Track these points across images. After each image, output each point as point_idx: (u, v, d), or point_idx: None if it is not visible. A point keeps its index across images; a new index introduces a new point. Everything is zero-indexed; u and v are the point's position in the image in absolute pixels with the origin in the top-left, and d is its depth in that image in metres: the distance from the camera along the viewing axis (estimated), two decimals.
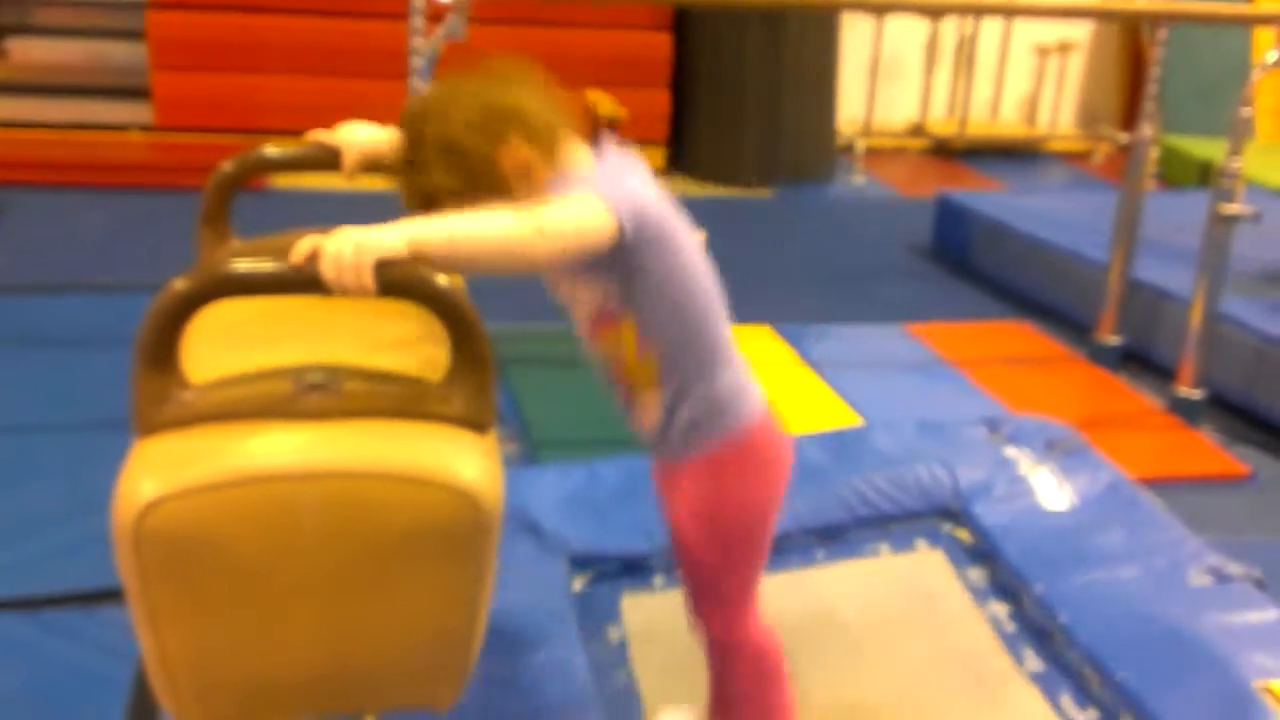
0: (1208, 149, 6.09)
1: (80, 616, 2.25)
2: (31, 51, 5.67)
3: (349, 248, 1.28)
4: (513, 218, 1.39)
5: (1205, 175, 5.92)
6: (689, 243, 1.61)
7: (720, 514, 1.70)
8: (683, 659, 2.12)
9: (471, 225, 1.37)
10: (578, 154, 1.58)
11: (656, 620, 2.25)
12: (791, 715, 1.86)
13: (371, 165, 1.75)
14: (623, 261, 1.51)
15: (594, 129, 1.64)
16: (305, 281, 1.31)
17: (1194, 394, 3.54)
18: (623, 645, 2.20)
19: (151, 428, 1.32)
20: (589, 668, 2.05)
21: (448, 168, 1.49)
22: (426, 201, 1.51)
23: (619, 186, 1.51)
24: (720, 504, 1.70)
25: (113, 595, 1.98)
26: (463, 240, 1.36)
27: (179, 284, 1.31)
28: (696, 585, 1.80)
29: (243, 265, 1.34)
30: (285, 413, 1.32)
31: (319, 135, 1.77)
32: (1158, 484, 2.92)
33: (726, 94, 6.08)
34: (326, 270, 1.28)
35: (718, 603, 1.78)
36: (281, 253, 1.32)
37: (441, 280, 1.34)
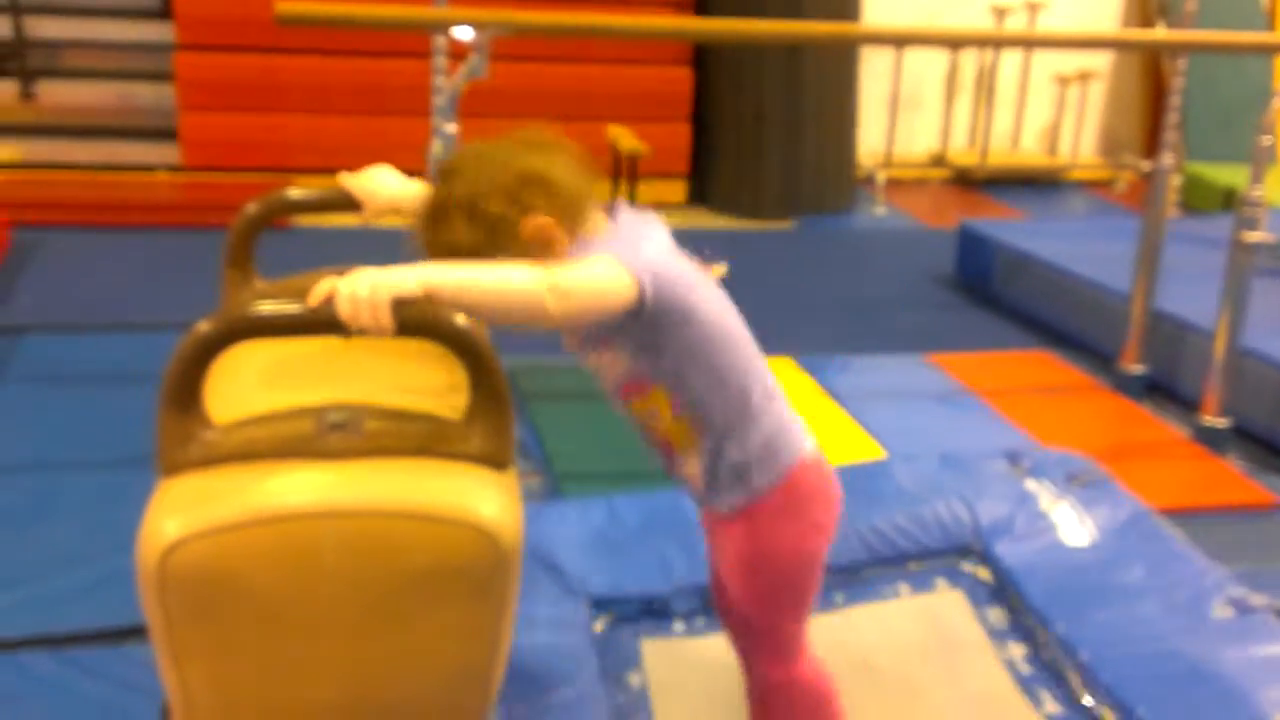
0: (1230, 175, 6.08)
1: (106, 653, 2.27)
2: (60, 94, 5.76)
3: (365, 287, 1.31)
4: (529, 272, 1.40)
5: (1229, 201, 5.90)
6: (712, 298, 1.61)
7: (769, 562, 1.69)
8: (704, 707, 2.13)
9: (486, 274, 1.39)
10: (599, 223, 1.58)
11: (678, 668, 2.25)
12: None
13: (392, 213, 1.77)
14: (648, 327, 1.52)
15: (610, 200, 1.64)
16: (325, 322, 1.33)
17: (1219, 423, 3.52)
18: (643, 691, 2.18)
19: (175, 467, 1.34)
20: (610, 713, 2.04)
21: (470, 226, 1.50)
22: (445, 257, 1.52)
23: (638, 251, 1.52)
24: (769, 552, 1.68)
25: (137, 632, 1.99)
26: (476, 287, 1.37)
27: (203, 326, 1.33)
28: (746, 633, 1.78)
29: (265, 307, 1.37)
30: (307, 452, 1.34)
31: (345, 180, 1.79)
32: (1185, 513, 2.91)
33: (747, 127, 6.11)
34: (343, 309, 1.30)
35: (768, 649, 1.77)
36: (304, 294, 1.34)
37: (459, 319, 1.36)
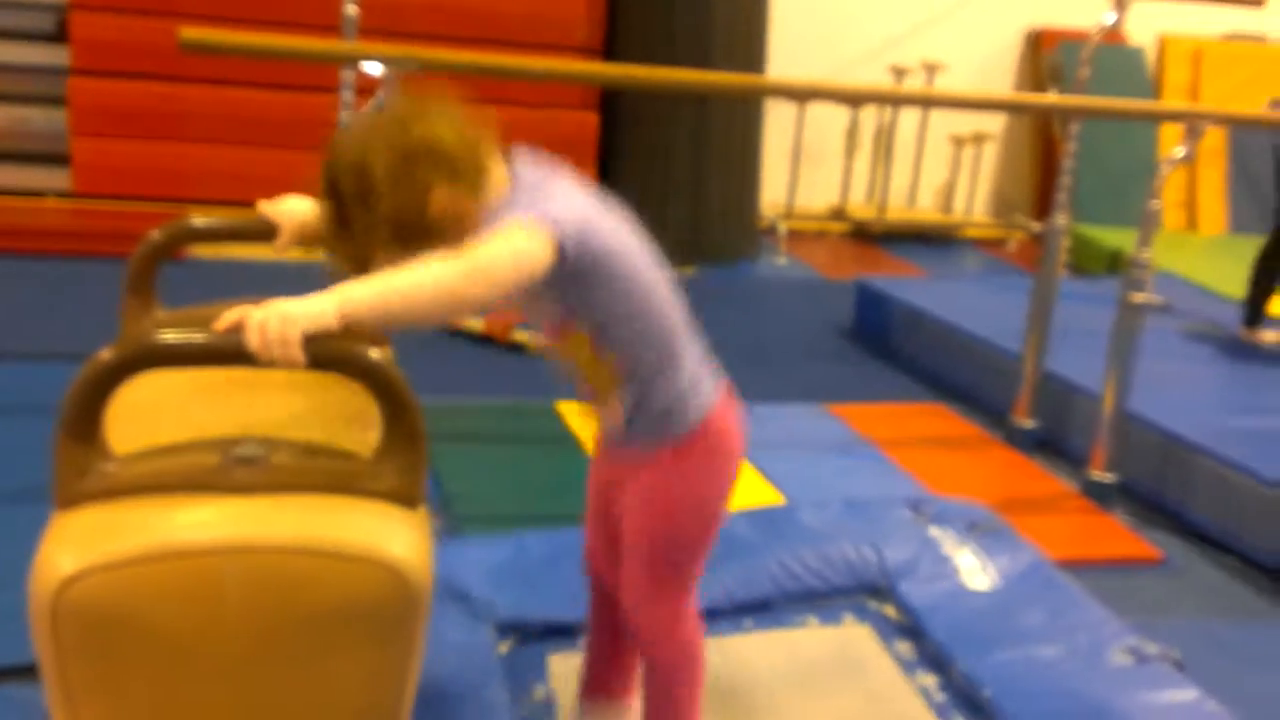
0: (1116, 238, 6.29)
1: None
2: None
3: (275, 319, 1.27)
4: (444, 264, 1.37)
5: (1114, 263, 6.11)
6: (628, 242, 1.61)
7: (679, 504, 1.70)
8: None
9: (402, 280, 1.36)
10: (503, 176, 1.55)
11: None
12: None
13: (309, 239, 1.74)
14: (572, 279, 1.51)
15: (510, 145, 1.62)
16: (234, 353, 1.29)
17: (1106, 478, 3.61)
18: (549, 702, 2.18)
19: (72, 500, 1.29)
20: None
21: (373, 228, 1.45)
22: (359, 263, 1.48)
23: (552, 202, 1.49)
24: (681, 494, 1.69)
25: (24, 671, 1.92)
26: (396, 297, 1.35)
27: (105, 355, 1.29)
28: (640, 577, 1.75)
29: (170, 336, 1.33)
30: (211, 486, 1.30)
31: (263, 208, 1.76)
32: (1073, 565, 2.97)
33: (653, 173, 6.15)
34: (252, 341, 1.27)
35: (658, 595, 1.75)
36: (210, 324, 1.31)
37: (373, 354, 1.33)
